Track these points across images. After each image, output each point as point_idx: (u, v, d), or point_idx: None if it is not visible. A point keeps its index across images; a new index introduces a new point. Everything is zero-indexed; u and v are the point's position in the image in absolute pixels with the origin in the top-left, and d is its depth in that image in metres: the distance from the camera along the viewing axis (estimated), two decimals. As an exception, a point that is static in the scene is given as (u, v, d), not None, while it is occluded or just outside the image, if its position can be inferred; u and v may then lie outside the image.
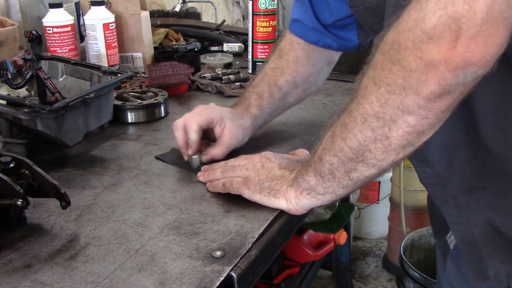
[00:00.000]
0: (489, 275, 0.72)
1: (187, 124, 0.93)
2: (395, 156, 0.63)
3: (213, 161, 0.93)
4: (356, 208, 2.31)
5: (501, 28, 0.52)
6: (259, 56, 1.50)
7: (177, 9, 2.15)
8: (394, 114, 0.60)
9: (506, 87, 0.65)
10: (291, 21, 1.04)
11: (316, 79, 1.07)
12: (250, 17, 1.47)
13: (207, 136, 0.97)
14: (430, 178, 0.77)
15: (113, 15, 1.42)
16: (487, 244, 0.72)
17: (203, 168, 0.90)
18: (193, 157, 0.94)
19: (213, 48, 1.78)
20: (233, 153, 0.95)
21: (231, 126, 0.95)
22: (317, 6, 0.99)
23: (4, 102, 0.97)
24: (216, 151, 0.94)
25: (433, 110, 0.58)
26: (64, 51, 1.33)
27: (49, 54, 1.21)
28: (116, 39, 1.42)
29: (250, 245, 0.70)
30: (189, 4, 2.33)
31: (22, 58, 1.09)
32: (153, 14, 1.88)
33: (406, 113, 0.59)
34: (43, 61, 1.15)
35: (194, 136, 0.92)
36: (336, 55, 1.07)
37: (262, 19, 1.45)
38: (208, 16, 3.11)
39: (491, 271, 0.72)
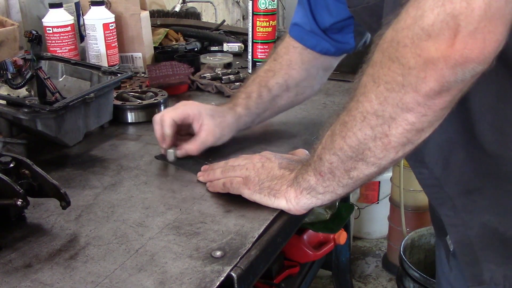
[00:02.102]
0: (485, 279, 0.72)
1: (163, 118, 0.95)
2: (394, 154, 0.63)
3: (188, 156, 0.95)
4: (356, 208, 2.31)
5: (499, 25, 0.52)
6: (259, 56, 1.49)
7: (177, 9, 2.15)
8: (393, 112, 0.60)
9: (502, 86, 0.65)
10: (291, 25, 1.04)
11: (310, 84, 1.06)
12: (250, 17, 1.46)
13: (189, 132, 0.98)
14: (427, 180, 0.76)
15: (113, 15, 1.42)
16: (483, 247, 0.72)
17: (203, 168, 0.90)
18: (168, 150, 0.95)
19: (213, 48, 1.78)
20: (222, 149, 0.96)
21: (209, 123, 0.95)
22: (316, 9, 0.99)
23: (4, 102, 0.97)
24: (190, 146, 0.95)
25: (432, 108, 0.58)
26: (64, 51, 1.34)
27: (49, 54, 1.21)
28: (116, 39, 1.43)
29: (250, 245, 0.70)
30: (189, 4, 2.34)
31: (22, 58, 1.09)
32: (153, 14, 1.88)
33: (406, 111, 0.59)
34: (43, 61, 1.15)
35: (167, 130, 0.94)
36: (334, 61, 1.07)
37: (262, 19, 1.45)
38: (208, 16, 3.11)
39: (486, 274, 0.72)
